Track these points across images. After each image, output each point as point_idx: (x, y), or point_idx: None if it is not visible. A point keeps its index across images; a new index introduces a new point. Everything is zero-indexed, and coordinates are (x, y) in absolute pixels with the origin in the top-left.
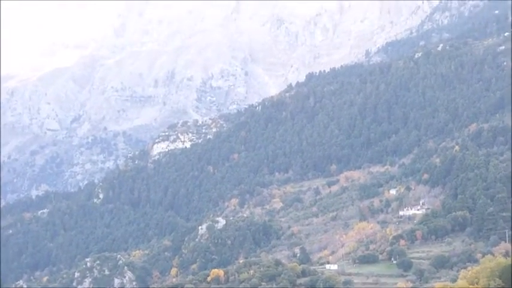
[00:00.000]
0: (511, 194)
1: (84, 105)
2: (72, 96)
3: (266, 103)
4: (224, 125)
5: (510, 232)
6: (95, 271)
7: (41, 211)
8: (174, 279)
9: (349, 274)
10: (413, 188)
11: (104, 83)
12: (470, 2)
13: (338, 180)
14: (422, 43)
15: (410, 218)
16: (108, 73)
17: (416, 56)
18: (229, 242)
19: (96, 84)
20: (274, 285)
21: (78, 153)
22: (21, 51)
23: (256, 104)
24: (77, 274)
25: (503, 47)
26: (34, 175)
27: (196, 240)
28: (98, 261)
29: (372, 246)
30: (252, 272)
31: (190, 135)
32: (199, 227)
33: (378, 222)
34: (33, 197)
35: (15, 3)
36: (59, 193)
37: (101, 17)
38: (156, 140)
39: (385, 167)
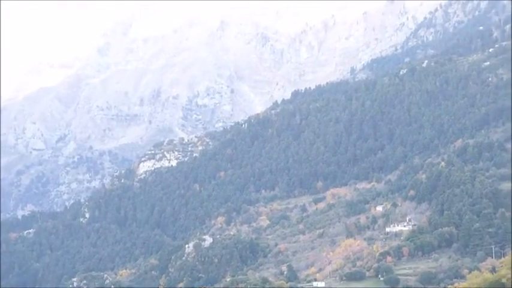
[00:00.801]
0: (497, 209)
1: (70, 124)
2: (58, 115)
3: (252, 121)
4: (210, 143)
5: (496, 248)
6: None
7: (27, 231)
8: None
9: None
10: (399, 205)
11: (90, 102)
12: (455, 18)
13: (324, 197)
14: (407, 59)
15: (397, 235)
16: (93, 92)
17: (401, 73)
18: (216, 260)
19: (81, 103)
20: None
21: (64, 173)
22: (6, 71)
23: (242, 122)
24: None
25: (487, 63)
26: (20, 195)
27: (183, 258)
28: (84, 281)
29: (358, 263)
30: None
31: (176, 153)
32: (186, 246)
33: (365, 239)
34: (19, 217)
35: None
36: (45, 213)
37: (86, 36)
38: (142, 159)
39: (372, 184)
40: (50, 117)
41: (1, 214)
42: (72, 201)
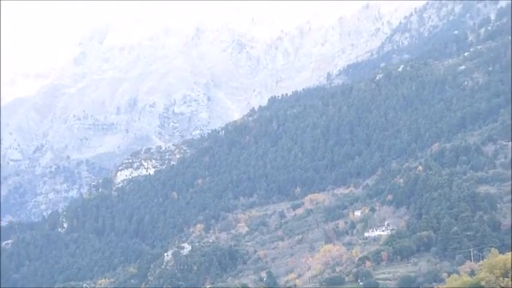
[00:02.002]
0: (475, 212)
1: (47, 134)
2: (34, 125)
3: (229, 128)
4: (187, 150)
5: (475, 251)
6: None
7: (5, 242)
8: None
9: None
10: (377, 209)
11: (66, 111)
12: (430, 23)
13: (303, 203)
14: (383, 64)
15: (375, 239)
16: (69, 102)
17: (377, 78)
18: (195, 267)
19: (58, 113)
20: None
21: (41, 183)
22: None
23: (219, 129)
24: None
25: (463, 67)
26: None
27: (162, 266)
28: None
29: (338, 268)
30: None
31: (153, 161)
32: (165, 254)
33: (344, 244)
34: None
35: None
36: (23, 223)
37: (61, 45)
38: (120, 168)
39: (349, 189)
40: (27, 127)
41: None
42: (50, 211)
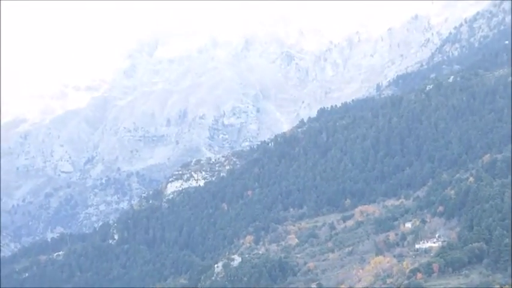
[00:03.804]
0: None
1: (97, 146)
2: (85, 137)
3: (278, 139)
4: (237, 162)
5: None
6: None
7: (57, 253)
8: None
9: None
10: (428, 221)
11: (117, 123)
12: (480, 33)
13: (353, 215)
14: (433, 75)
15: (426, 251)
16: (120, 114)
17: (427, 89)
18: (245, 279)
19: (108, 125)
20: None
21: (92, 195)
22: (33, 95)
23: (269, 141)
24: None
25: None
26: (49, 218)
27: (213, 278)
28: None
29: (389, 280)
30: None
31: (203, 173)
32: (215, 265)
33: (394, 256)
34: (49, 239)
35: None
36: (74, 235)
37: (111, 58)
38: (170, 179)
39: (400, 200)
40: (78, 139)
41: (31, 237)
42: (100, 223)
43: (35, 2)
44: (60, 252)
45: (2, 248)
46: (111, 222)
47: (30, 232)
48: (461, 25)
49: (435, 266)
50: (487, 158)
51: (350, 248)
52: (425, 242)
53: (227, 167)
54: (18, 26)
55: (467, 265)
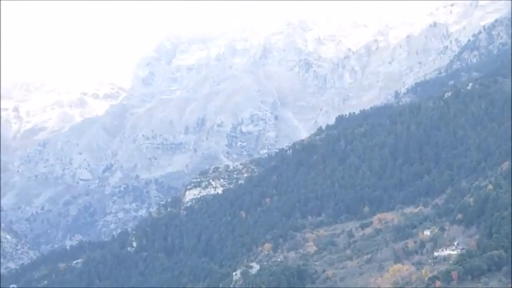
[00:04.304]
0: None
1: (116, 154)
2: (104, 145)
3: (297, 147)
4: (255, 169)
5: None
6: None
7: (76, 261)
8: None
9: None
10: (447, 229)
11: (135, 131)
12: (499, 40)
13: (371, 223)
14: (451, 82)
15: (445, 259)
16: (138, 121)
17: (446, 96)
18: (263, 287)
19: (127, 133)
20: None
21: (110, 202)
22: (52, 103)
23: (287, 148)
24: None
25: None
26: (68, 225)
27: (231, 286)
28: None
29: None
30: None
31: (221, 180)
32: (234, 273)
33: (413, 264)
34: (68, 247)
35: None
36: (93, 242)
37: (130, 66)
38: (188, 187)
39: (419, 208)
40: (96, 147)
41: (49, 245)
42: (119, 231)
43: (54, 11)
44: (79, 260)
45: (21, 255)
46: (129, 229)
47: (49, 240)
48: (479, 32)
49: (454, 274)
50: (505, 165)
51: (368, 256)
52: (444, 249)
53: (245, 175)
54: (39, 34)
55: (486, 273)
